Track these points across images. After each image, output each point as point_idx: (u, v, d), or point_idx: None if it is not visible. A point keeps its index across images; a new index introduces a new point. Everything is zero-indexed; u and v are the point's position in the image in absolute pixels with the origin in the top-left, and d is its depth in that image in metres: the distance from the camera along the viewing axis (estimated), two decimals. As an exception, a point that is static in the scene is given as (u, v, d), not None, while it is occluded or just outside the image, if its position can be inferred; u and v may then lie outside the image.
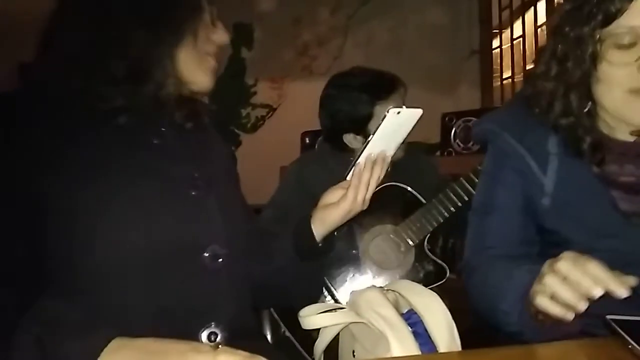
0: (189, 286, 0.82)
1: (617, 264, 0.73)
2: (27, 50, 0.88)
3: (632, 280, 0.70)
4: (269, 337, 1.48)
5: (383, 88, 1.54)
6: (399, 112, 0.88)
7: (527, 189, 0.96)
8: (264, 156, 3.23)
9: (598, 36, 0.84)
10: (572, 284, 0.71)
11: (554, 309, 0.73)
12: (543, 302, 0.75)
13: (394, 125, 0.90)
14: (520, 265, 0.88)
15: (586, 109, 0.89)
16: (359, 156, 0.93)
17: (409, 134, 0.94)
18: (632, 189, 0.90)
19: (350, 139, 1.57)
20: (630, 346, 0.68)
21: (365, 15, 3.82)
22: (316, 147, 1.97)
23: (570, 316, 0.71)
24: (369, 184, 0.94)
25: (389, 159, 0.95)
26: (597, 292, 0.69)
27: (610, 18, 0.82)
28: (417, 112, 0.90)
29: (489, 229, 1.00)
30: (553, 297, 0.74)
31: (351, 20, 3.84)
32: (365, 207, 0.96)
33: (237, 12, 3.65)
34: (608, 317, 0.73)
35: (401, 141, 0.95)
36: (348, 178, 0.95)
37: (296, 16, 3.81)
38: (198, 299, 0.83)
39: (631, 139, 0.91)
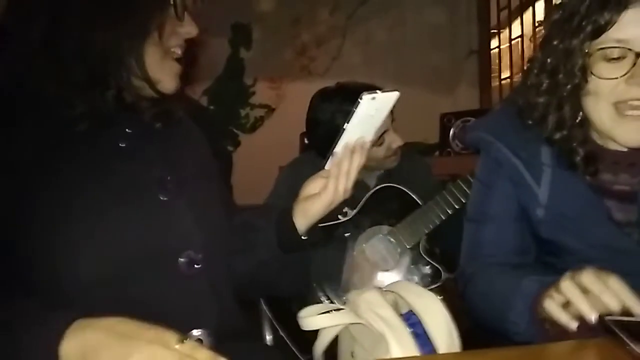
0: (166, 294, 0.79)
1: (615, 273, 0.73)
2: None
3: None
4: (268, 337, 1.48)
5: None
6: (373, 98, 0.84)
7: (521, 199, 0.96)
8: (263, 156, 3.22)
9: (587, 49, 0.83)
10: (592, 295, 0.71)
11: (561, 316, 0.73)
12: (551, 307, 0.75)
13: (370, 111, 0.86)
14: (521, 274, 0.88)
15: (578, 120, 0.88)
16: (335, 145, 0.90)
17: (385, 118, 0.90)
18: (626, 197, 0.90)
19: None
20: (628, 347, 0.68)
21: (363, 15, 3.82)
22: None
23: (574, 326, 0.72)
24: (349, 173, 0.90)
25: (368, 146, 0.92)
26: (616, 307, 0.69)
27: (599, 31, 0.81)
28: (393, 95, 0.86)
29: (484, 238, 1.00)
30: (564, 305, 0.74)
31: (350, 20, 3.84)
32: (347, 197, 0.93)
33: (235, 12, 3.65)
34: (606, 317, 0.73)
35: (379, 126, 0.91)
36: (327, 167, 0.92)
37: (295, 16, 3.81)
38: (177, 307, 0.80)
39: (624, 148, 0.90)
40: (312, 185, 0.94)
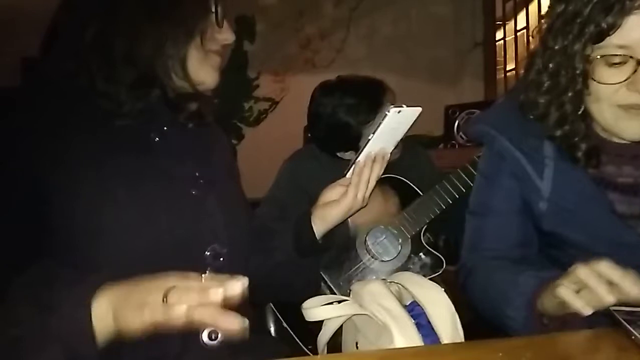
0: None
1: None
2: (32, 45, 0.87)
3: None
4: (272, 329, 1.49)
5: (369, 106, 1.54)
6: (399, 112, 0.88)
7: (524, 193, 0.96)
8: (267, 150, 3.22)
9: (588, 54, 0.82)
10: (611, 282, 0.71)
11: (576, 302, 0.73)
12: (566, 294, 0.74)
13: (394, 124, 0.90)
14: (521, 269, 0.88)
15: (580, 112, 0.88)
16: (359, 154, 0.93)
17: (407, 131, 0.94)
18: (630, 190, 0.90)
19: (342, 154, 1.59)
20: (633, 337, 0.68)
21: (368, 8, 3.81)
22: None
23: (588, 311, 0.71)
24: (369, 182, 0.94)
25: (388, 156, 0.95)
26: (637, 294, 0.70)
27: (601, 35, 0.80)
28: (417, 111, 0.90)
29: (486, 232, 1.00)
30: (578, 292, 0.74)
31: (354, 13, 3.82)
32: (365, 205, 0.96)
33: (239, 5, 3.64)
34: (612, 308, 0.73)
35: (400, 139, 0.94)
36: (348, 176, 0.95)
37: (299, 9, 3.79)
38: None
39: (627, 140, 0.90)
40: (332, 192, 0.97)
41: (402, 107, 0.88)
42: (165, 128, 0.87)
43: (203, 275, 0.71)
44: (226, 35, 0.90)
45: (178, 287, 0.61)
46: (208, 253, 0.84)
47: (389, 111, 0.87)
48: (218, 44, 0.90)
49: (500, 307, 0.87)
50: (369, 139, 0.91)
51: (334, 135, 1.57)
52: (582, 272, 0.73)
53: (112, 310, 0.63)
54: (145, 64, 0.82)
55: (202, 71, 0.87)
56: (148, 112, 0.84)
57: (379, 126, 0.89)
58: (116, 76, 0.81)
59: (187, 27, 0.84)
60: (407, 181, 1.56)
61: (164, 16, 0.83)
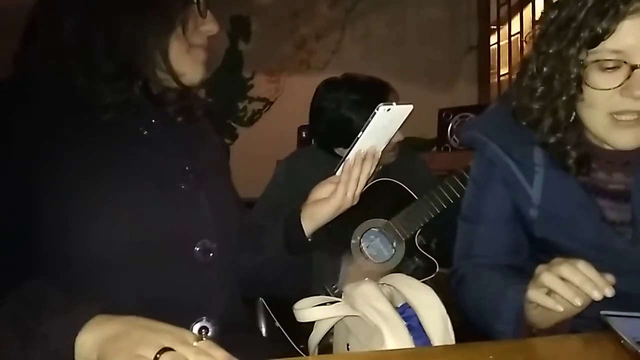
0: (180, 280, 0.82)
1: (608, 272, 0.74)
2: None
3: (610, 278, 0.73)
4: (263, 329, 1.48)
5: (373, 104, 1.54)
6: (389, 109, 0.86)
7: (514, 200, 0.96)
8: (261, 150, 3.22)
9: (582, 59, 0.83)
10: (573, 285, 0.73)
11: (547, 302, 0.75)
12: (536, 296, 0.76)
13: (384, 121, 0.89)
14: (509, 282, 0.88)
15: (572, 119, 0.88)
16: (348, 152, 0.92)
17: (398, 129, 0.93)
18: (620, 197, 0.90)
19: (341, 151, 1.59)
20: (622, 341, 0.69)
21: (363, 10, 3.82)
22: (312, 142, 1.98)
23: (560, 308, 0.73)
24: (358, 180, 0.93)
25: (379, 155, 0.94)
26: (598, 296, 0.71)
27: (595, 40, 0.80)
28: (408, 108, 0.89)
29: (477, 238, 1.01)
30: (548, 294, 0.75)
31: (349, 15, 3.83)
32: (355, 203, 0.95)
33: (234, 5, 3.64)
34: (602, 312, 0.74)
35: (391, 137, 0.94)
36: (337, 174, 0.94)
37: (294, 10, 3.80)
38: (189, 293, 0.83)
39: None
40: (322, 190, 0.96)
41: (392, 104, 0.86)
42: (153, 121, 0.85)
43: (200, 333, 0.74)
44: (210, 27, 0.88)
45: (173, 354, 0.59)
46: (197, 248, 0.83)
47: (378, 109, 0.86)
48: (203, 36, 0.87)
49: (491, 321, 0.88)
50: (358, 137, 0.90)
51: (335, 130, 1.57)
52: (546, 278, 0.75)
53: (97, 351, 0.61)
54: (124, 56, 0.80)
55: (186, 63, 0.85)
56: (134, 105, 0.83)
57: (368, 124, 0.88)
58: (95, 70, 0.80)
59: (167, 18, 0.82)
60: (402, 185, 1.57)
61: (143, 7, 0.81)
